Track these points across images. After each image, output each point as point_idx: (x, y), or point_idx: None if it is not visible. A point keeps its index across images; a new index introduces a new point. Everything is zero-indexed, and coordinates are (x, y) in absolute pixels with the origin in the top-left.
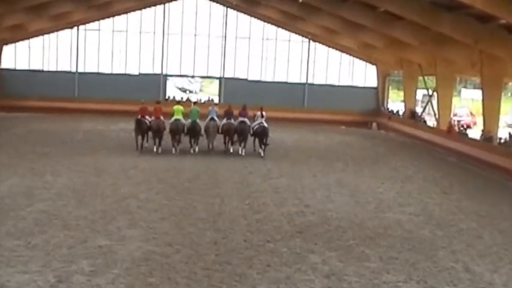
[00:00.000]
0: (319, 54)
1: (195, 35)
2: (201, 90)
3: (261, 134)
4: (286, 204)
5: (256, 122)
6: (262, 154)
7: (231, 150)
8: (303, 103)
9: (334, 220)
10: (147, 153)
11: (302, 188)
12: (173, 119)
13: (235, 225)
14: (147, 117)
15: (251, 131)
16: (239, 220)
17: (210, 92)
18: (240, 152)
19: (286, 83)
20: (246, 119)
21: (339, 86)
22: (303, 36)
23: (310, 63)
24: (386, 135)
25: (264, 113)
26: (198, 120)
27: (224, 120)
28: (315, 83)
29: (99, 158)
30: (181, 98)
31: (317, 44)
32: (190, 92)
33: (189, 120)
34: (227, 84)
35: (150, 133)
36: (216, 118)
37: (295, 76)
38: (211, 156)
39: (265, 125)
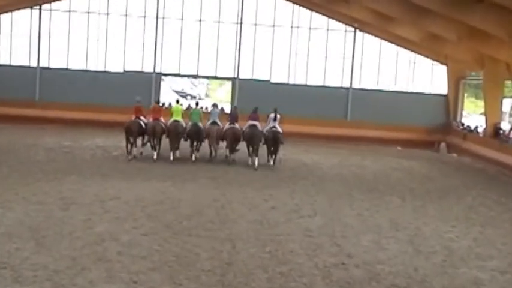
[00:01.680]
0: (368, 49)
1: (200, 21)
2: (207, 95)
3: (272, 141)
4: (320, 252)
5: (268, 126)
6: (272, 164)
7: (233, 158)
8: (345, 115)
9: (387, 276)
10: (134, 176)
11: (342, 230)
12: (172, 120)
13: (251, 280)
14: (142, 118)
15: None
16: (257, 273)
17: (219, 97)
18: (252, 163)
19: (323, 87)
20: (257, 123)
21: (394, 92)
22: (346, 24)
23: (356, 61)
24: (460, 160)
25: (278, 115)
26: (200, 124)
27: (227, 125)
28: (361, 87)
29: (66, 184)
30: (180, 104)
31: (365, 34)
32: (193, 97)
33: (190, 123)
34: (243, 88)
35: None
36: (218, 121)
37: (336, 78)
38: (219, 180)
39: (278, 129)
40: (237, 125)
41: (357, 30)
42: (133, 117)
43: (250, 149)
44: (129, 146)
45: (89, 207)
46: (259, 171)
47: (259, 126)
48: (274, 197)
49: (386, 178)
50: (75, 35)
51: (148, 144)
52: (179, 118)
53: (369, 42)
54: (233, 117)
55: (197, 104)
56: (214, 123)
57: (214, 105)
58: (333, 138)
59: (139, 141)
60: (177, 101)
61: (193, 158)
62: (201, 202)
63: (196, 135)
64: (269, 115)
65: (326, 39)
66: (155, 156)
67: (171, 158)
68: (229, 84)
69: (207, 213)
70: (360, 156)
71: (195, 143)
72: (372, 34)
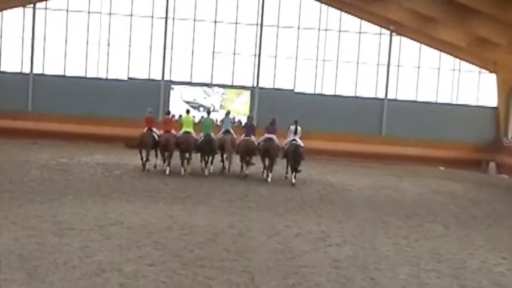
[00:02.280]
0: (406, 55)
1: (215, 22)
2: (222, 106)
3: (293, 155)
4: (351, 287)
5: (288, 139)
6: (293, 181)
7: (246, 173)
8: (379, 130)
9: None
10: (139, 198)
11: (376, 261)
12: (182, 131)
13: None
14: (154, 129)
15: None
16: None
17: (236, 109)
18: (266, 178)
19: (354, 97)
20: (273, 136)
21: (436, 104)
22: (381, 26)
23: (392, 68)
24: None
25: (299, 128)
26: (212, 134)
27: (242, 136)
28: (398, 98)
29: (62, 207)
30: (191, 114)
31: (403, 38)
32: (207, 109)
33: (202, 134)
34: (263, 99)
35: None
36: (231, 130)
37: (369, 88)
38: (236, 203)
39: (299, 142)
40: (252, 138)
41: (394, 34)
42: (145, 129)
43: (266, 164)
44: (143, 159)
45: (88, 233)
46: (281, 193)
47: (276, 140)
48: (298, 223)
49: (426, 202)
50: (74, 37)
51: (158, 157)
52: (190, 129)
53: (407, 47)
54: (248, 128)
55: (209, 112)
56: (227, 131)
57: (227, 114)
58: (366, 156)
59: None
60: (187, 111)
61: (206, 172)
62: (215, 228)
63: (208, 147)
64: (289, 127)
65: (358, 43)
66: (167, 171)
67: (182, 172)
68: (247, 94)
69: (222, 240)
70: (397, 177)
71: (206, 156)
72: (411, 38)
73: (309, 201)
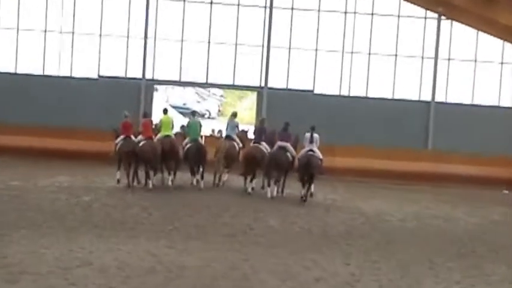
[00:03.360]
0: (458, 45)
1: (211, 3)
2: (220, 112)
3: (306, 167)
4: None
5: (303, 151)
6: (305, 199)
7: (249, 190)
8: (425, 141)
9: None
10: (114, 231)
11: None
12: (160, 136)
13: None
14: (132, 137)
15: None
16: None
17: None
18: (269, 195)
19: (391, 100)
20: (288, 145)
21: (498, 108)
22: (427, 8)
23: (441, 63)
24: None
25: (316, 135)
26: (200, 139)
27: (251, 144)
28: (448, 101)
29: (14, 245)
30: (168, 114)
31: (454, 23)
32: (201, 116)
33: (188, 140)
34: (273, 102)
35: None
36: (235, 137)
37: (411, 87)
38: (239, 237)
39: (316, 152)
40: (263, 145)
41: (443, 17)
42: (121, 137)
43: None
44: (129, 176)
45: (47, 278)
46: (296, 224)
47: (289, 149)
48: (319, 264)
49: (486, 237)
50: (28, 24)
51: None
52: (170, 133)
53: (460, 35)
54: (259, 133)
55: (194, 113)
56: (228, 137)
57: (233, 115)
58: (407, 177)
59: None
60: (165, 111)
61: (197, 186)
62: (213, 270)
63: (197, 155)
64: (305, 135)
65: (397, 30)
66: (150, 185)
67: (169, 182)
68: (253, 96)
69: (222, 287)
70: (448, 203)
71: (197, 167)
72: (464, 23)
73: (334, 235)
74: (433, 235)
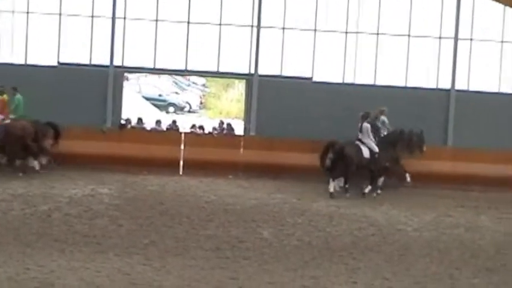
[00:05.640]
0: (481, 22)
1: None
2: (202, 104)
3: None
4: None
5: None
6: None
7: None
8: (444, 137)
9: None
10: (78, 246)
11: None
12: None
13: None
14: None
15: None
16: None
17: (226, 109)
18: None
19: (403, 88)
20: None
21: None
22: None
23: (462, 44)
24: None
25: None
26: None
27: None
28: (471, 89)
29: None
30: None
31: None
32: (180, 109)
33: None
34: (265, 92)
35: None
36: None
37: (427, 74)
38: (226, 252)
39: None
40: None
41: None
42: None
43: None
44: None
45: None
46: (294, 236)
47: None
48: (320, 282)
49: None
50: None
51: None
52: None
53: (484, 11)
54: None
55: (15, 88)
56: None
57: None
58: (424, 179)
59: None
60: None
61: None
62: None
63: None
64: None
65: (410, 5)
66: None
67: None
68: (241, 85)
69: None
70: (471, 209)
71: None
72: None
73: (338, 248)
74: (454, 247)
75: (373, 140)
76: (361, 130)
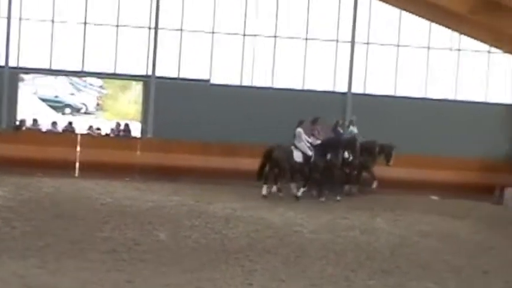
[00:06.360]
0: (377, 22)
1: None
2: (98, 106)
3: None
4: None
5: None
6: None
7: None
8: None
9: None
10: None
11: None
12: None
13: None
14: None
15: None
16: None
17: (123, 110)
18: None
19: (301, 91)
20: None
21: (418, 99)
22: None
23: (359, 48)
24: None
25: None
26: None
27: None
28: (367, 92)
29: None
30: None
31: (374, 1)
32: (76, 110)
33: None
34: (162, 94)
35: None
36: None
37: (324, 77)
38: (123, 254)
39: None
40: None
41: None
42: None
43: None
44: None
45: None
46: (190, 238)
47: None
48: (217, 284)
49: (411, 250)
50: None
51: None
52: None
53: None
54: None
55: None
56: None
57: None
58: None
59: None
60: None
61: None
62: None
63: None
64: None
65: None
66: None
67: None
68: (139, 87)
69: None
70: (366, 211)
71: None
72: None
73: (235, 250)
74: (350, 249)
75: (308, 144)
76: (294, 135)
